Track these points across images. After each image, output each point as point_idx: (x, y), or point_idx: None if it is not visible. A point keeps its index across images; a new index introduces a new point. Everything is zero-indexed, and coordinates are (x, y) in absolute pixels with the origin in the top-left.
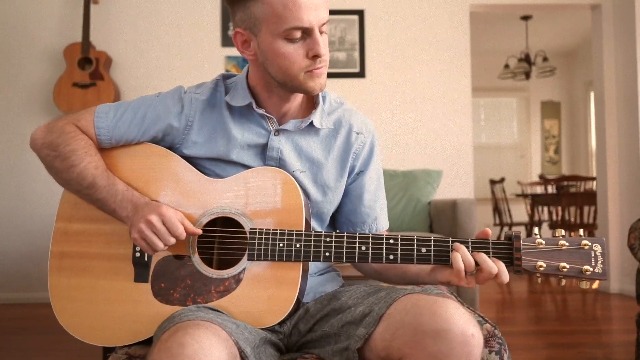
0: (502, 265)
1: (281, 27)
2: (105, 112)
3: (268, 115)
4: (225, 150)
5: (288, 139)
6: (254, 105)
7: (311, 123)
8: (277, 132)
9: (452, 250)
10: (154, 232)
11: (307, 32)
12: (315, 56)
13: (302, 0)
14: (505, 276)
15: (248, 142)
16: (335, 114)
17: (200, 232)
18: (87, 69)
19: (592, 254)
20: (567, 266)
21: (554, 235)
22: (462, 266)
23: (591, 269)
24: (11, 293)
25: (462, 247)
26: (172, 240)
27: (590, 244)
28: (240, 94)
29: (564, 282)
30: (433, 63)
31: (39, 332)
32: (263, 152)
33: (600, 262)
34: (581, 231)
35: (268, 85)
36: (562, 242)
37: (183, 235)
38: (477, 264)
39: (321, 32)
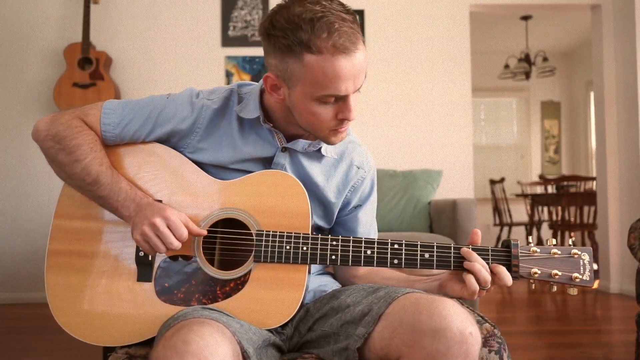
0: (504, 269)
1: (317, 92)
2: (112, 109)
3: (276, 130)
4: (230, 159)
5: (293, 157)
6: (262, 120)
7: (319, 149)
8: (284, 149)
9: (465, 263)
10: (157, 236)
11: (341, 98)
12: (344, 119)
13: (345, 72)
14: (509, 279)
15: (253, 154)
16: (341, 145)
17: (205, 233)
18: (87, 69)
19: (581, 263)
20: (559, 273)
21: (546, 244)
22: (476, 288)
23: (580, 276)
24: (11, 293)
25: (477, 265)
26: (176, 244)
27: (579, 252)
28: (251, 107)
29: (555, 288)
30: (433, 63)
31: (39, 332)
32: (267, 165)
33: (588, 270)
34: (570, 240)
35: (289, 118)
36: (554, 250)
37: (186, 238)
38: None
39: (354, 91)
